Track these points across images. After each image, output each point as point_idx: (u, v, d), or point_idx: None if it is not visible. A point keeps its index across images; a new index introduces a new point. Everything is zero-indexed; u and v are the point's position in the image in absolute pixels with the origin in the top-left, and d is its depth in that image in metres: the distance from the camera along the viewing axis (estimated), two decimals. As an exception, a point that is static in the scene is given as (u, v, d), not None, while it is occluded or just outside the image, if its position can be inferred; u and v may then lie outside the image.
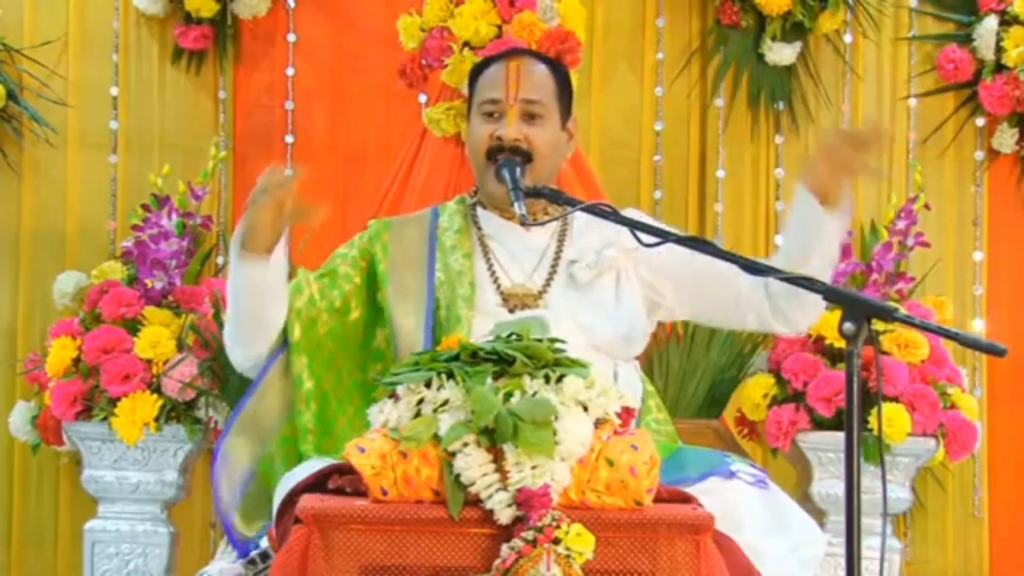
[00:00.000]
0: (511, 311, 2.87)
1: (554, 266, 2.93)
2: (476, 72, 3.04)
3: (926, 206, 4.19)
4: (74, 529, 4.34)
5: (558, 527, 2.27)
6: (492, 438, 2.32)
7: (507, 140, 2.90)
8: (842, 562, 2.35)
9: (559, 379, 2.39)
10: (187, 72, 4.57)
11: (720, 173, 4.61)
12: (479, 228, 2.99)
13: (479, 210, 3.02)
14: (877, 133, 2.84)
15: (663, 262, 2.92)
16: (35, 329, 4.47)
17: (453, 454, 2.33)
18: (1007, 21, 4.52)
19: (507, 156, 2.90)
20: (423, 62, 4.04)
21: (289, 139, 4.55)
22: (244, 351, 2.87)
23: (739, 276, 2.82)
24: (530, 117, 2.93)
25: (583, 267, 2.91)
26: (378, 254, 2.95)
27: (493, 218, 2.99)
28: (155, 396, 3.92)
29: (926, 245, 4.19)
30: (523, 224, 2.83)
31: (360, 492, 2.38)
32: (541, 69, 2.99)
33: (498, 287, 2.91)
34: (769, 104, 4.61)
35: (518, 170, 2.89)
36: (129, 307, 4.01)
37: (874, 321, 2.37)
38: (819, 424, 3.96)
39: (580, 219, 2.98)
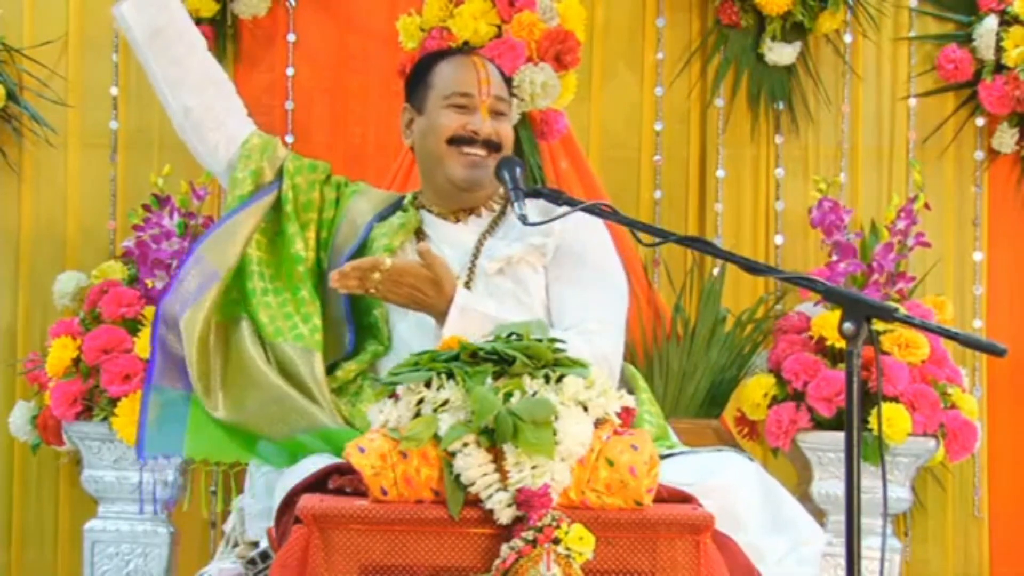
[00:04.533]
0: None
1: (474, 258, 2.99)
2: (426, 66, 3.13)
3: (926, 206, 4.19)
4: (74, 529, 4.35)
5: (558, 527, 2.27)
6: (492, 438, 2.32)
7: (484, 134, 3.02)
8: (842, 562, 2.35)
9: (559, 379, 2.39)
10: (187, 72, 4.56)
11: (720, 173, 4.61)
12: (420, 222, 3.08)
13: (422, 212, 3.11)
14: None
15: (563, 278, 3.00)
16: (35, 329, 4.47)
17: (453, 454, 2.33)
18: (1007, 21, 4.52)
19: (479, 150, 3.01)
20: (423, 62, 4.04)
21: (289, 139, 4.55)
22: (188, 103, 3.10)
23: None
24: (498, 114, 3.06)
25: (487, 257, 2.97)
26: (344, 199, 3.12)
27: (429, 217, 3.09)
28: (155, 396, 3.92)
29: (927, 245, 4.19)
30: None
31: (360, 492, 2.38)
32: (497, 69, 3.13)
33: None
34: (769, 104, 4.61)
35: (518, 170, 2.93)
36: (129, 307, 4.01)
37: (874, 321, 2.37)
38: (819, 424, 3.96)
39: (512, 214, 3.03)
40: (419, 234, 3.06)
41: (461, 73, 3.07)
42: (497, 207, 3.08)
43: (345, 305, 2.99)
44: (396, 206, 3.13)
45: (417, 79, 3.12)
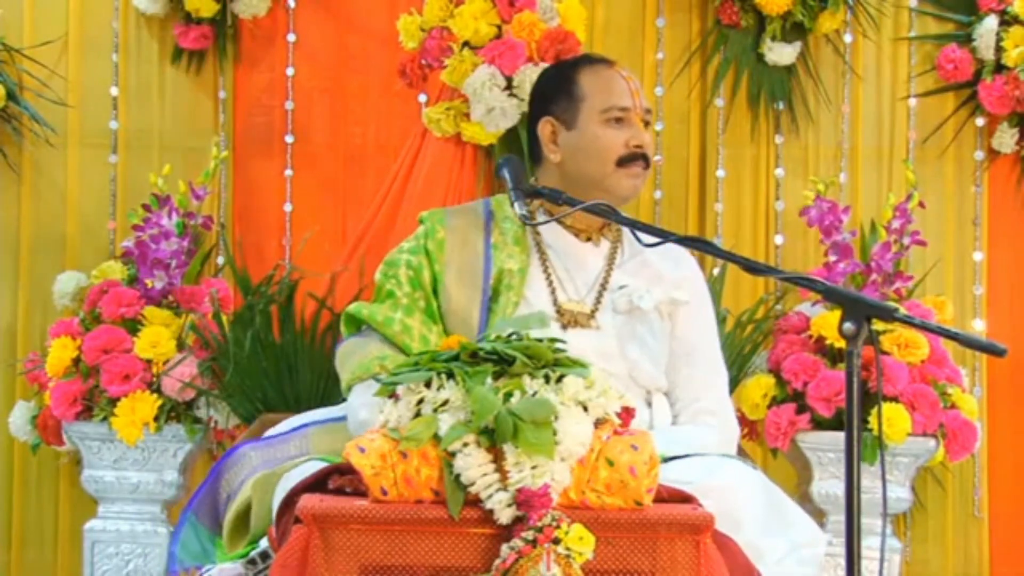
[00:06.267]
0: (564, 327, 2.91)
1: (602, 288, 2.97)
2: (564, 76, 3.06)
3: (920, 204, 4.20)
4: (74, 529, 4.35)
5: (558, 527, 2.27)
6: (492, 438, 2.32)
7: (645, 147, 2.99)
8: (842, 562, 2.35)
9: (559, 379, 2.39)
10: (187, 72, 4.56)
11: (720, 173, 4.61)
12: (537, 233, 3.01)
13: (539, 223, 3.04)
14: None
15: (676, 343, 3.01)
16: (35, 329, 4.47)
17: (453, 454, 2.33)
18: (1007, 21, 4.51)
19: (640, 164, 2.98)
20: (423, 62, 4.04)
21: (289, 139, 4.55)
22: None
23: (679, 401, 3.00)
24: (646, 125, 3.03)
25: (624, 295, 2.95)
26: (434, 252, 2.98)
27: (556, 230, 3.02)
28: (155, 396, 3.92)
29: (922, 243, 4.19)
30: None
31: (360, 492, 2.38)
32: None
33: (555, 300, 2.94)
34: (769, 104, 4.60)
35: (518, 170, 2.92)
36: (129, 307, 4.01)
37: (874, 321, 2.37)
38: (819, 424, 3.96)
39: (631, 246, 3.03)
40: (539, 246, 3.01)
41: (614, 85, 3.02)
42: (614, 231, 3.06)
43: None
44: (487, 215, 3.05)
45: (557, 89, 3.05)
